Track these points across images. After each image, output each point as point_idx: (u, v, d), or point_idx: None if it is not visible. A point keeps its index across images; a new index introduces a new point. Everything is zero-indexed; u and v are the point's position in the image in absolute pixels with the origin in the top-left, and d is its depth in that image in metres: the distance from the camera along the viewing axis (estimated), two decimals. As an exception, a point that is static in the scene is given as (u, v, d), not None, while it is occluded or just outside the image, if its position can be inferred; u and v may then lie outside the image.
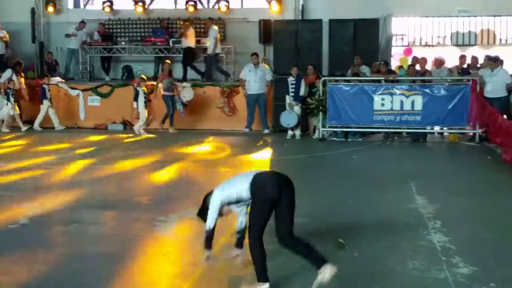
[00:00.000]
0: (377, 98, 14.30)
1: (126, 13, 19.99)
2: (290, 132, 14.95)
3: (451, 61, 16.64)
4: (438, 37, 19.05)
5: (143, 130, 15.64)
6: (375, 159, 12.47)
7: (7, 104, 16.16)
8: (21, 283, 5.37)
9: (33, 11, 19.87)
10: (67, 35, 18.62)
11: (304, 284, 5.09)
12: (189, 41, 17.86)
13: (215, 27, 17.75)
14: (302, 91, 14.91)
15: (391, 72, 15.60)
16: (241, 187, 5.13)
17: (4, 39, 18.75)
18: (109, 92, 17.18)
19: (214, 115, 16.68)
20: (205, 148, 13.85)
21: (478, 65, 15.35)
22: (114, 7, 19.74)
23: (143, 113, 15.63)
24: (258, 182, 5.10)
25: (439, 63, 15.65)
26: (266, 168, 10.57)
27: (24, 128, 16.32)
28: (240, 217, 5.38)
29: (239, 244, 5.46)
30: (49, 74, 17.22)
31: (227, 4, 19.02)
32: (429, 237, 6.70)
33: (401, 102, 14.21)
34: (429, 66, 15.82)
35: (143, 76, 16.28)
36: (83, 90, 17.18)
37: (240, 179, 5.24)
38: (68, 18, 19.89)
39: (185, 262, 5.92)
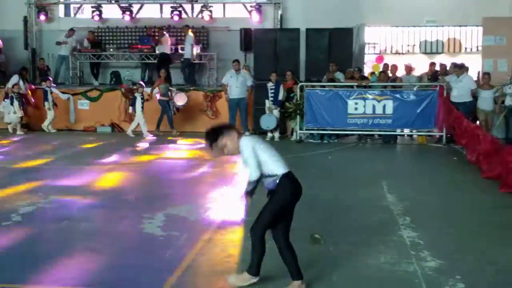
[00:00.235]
0: (350, 103, 14.37)
1: (114, 21, 19.85)
2: (269, 134, 14.95)
3: (420, 68, 16.79)
4: (408, 45, 19.24)
5: (147, 132, 15.47)
6: (349, 160, 12.54)
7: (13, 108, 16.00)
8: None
9: (25, 20, 19.65)
10: (58, 43, 18.44)
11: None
12: (164, 47, 17.85)
13: (191, 34, 17.73)
14: (281, 96, 14.94)
15: (364, 78, 15.66)
16: (272, 168, 4.89)
17: (-2, 45, 18.58)
18: (98, 96, 17.05)
19: (198, 118, 16.60)
20: (190, 148, 13.81)
21: (447, 72, 15.48)
22: (103, 16, 19.57)
23: (141, 117, 15.48)
24: (292, 179, 4.94)
25: (408, 70, 15.77)
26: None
27: (20, 132, 16.07)
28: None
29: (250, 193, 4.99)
30: (49, 78, 16.93)
31: (210, 13, 18.95)
32: (399, 232, 6.76)
33: (373, 106, 14.29)
34: (399, 73, 15.92)
35: (141, 83, 16.22)
36: (73, 95, 17.04)
37: (275, 159, 4.99)
38: (59, 26, 19.67)
39: (170, 257, 5.89)
